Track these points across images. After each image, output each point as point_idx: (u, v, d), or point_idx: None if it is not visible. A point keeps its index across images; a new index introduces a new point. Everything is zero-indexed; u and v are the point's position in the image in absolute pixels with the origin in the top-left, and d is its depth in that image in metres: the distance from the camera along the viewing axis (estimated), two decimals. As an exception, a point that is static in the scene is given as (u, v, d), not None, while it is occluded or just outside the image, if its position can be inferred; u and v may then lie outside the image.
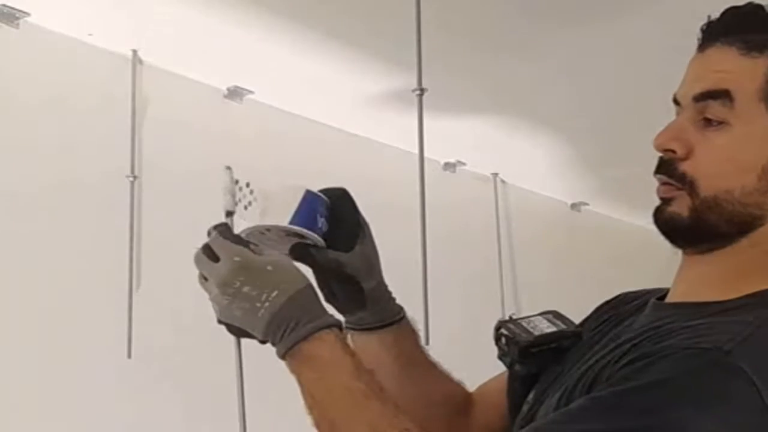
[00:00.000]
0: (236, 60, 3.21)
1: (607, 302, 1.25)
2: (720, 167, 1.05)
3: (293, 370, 1.08)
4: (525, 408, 1.15)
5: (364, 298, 1.23)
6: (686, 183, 1.07)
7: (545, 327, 1.18)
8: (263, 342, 1.10)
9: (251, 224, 1.16)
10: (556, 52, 3.09)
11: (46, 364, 2.78)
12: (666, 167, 1.08)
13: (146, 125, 3.12)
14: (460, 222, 4.08)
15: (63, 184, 2.88)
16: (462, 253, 4.02)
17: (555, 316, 1.21)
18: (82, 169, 2.94)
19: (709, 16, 1.11)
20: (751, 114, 1.05)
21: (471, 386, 1.35)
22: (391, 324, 1.26)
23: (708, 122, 1.06)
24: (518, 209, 4.46)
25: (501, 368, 1.23)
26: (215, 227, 1.14)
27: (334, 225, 1.19)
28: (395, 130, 3.55)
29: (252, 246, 1.12)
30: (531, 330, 1.18)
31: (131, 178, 3.05)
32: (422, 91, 2.74)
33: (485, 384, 1.33)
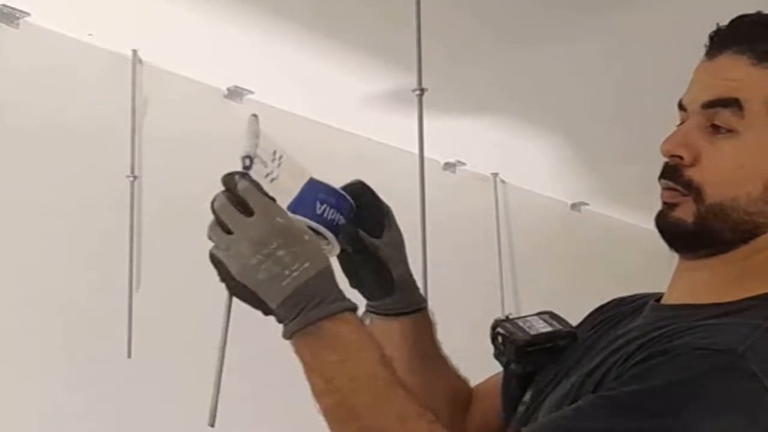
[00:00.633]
0: (236, 60, 3.21)
1: (601, 306, 1.26)
2: (727, 175, 1.06)
3: (304, 351, 1.03)
4: (521, 408, 1.16)
5: (393, 284, 1.23)
6: (692, 189, 1.07)
7: (541, 327, 1.19)
8: (267, 313, 1.04)
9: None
10: (557, 52, 3.09)
11: (46, 363, 2.78)
12: (672, 173, 1.09)
13: (146, 125, 3.12)
14: (460, 222, 4.08)
15: (63, 184, 2.88)
16: (462, 253, 4.02)
17: (551, 316, 1.21)
18: (82, 169, 2.94)
19: (717, 24, 1.11)
20: (759, 123, 1.06)
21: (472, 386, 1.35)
22: (414, 312, 1.26)
23: (716, 130, 1.07)
24: (518, 209, 4.46)
25: (500, 368, 1.24)
26: (241, 176, 1.08)
27: (359, 214, 1.18)
28: (395, 130, 3.55)
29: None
30: (527, 329, 1.18)
31: (131, 178, 3.05)
32: (422, 91, 2.74)
33: (481, 384, 1.34)
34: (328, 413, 1.02)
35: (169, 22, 2.92)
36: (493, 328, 1.20)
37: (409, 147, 3.10)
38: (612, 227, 4.82)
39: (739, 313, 1.03)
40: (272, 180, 1.12)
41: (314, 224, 1.12)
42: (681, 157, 1.08)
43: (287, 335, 1.03)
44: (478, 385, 1.34)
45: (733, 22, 1.10)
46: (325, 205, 1.13)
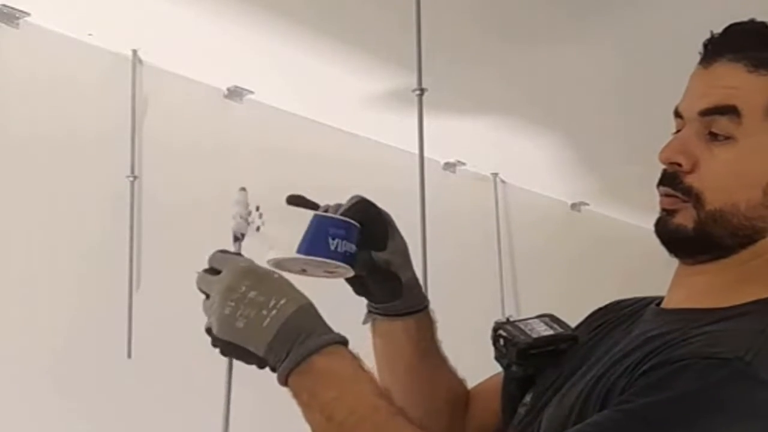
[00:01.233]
0: (236, 60, 3.21)
1: (600, 309, 1.26)
2: (726, 182, 1.07)
3: (301, 391, 1.01)
4: (522, 410, 1.16)
5: (401, 290, 1.24)
6: (692, 196, 1.08)
7: (542, 330, 1.19)
8: (261, 364, 1.03)
9: (263, 245, 1.12)
10: (557, 52, 3.09)
11: (46, 363, 2.78)
12: (671, 180, 1.09)
13: (146, 125, 3.12)
14: (460, 222, 4.08)
15: (63, 184, 2.88)
16: (462, 253, 4.02)
17: (552, 319, 1.22)
18: (82, 169, 2.94)
19: (711, 32, 1.11)
20: (757, 130, 1.06)
21: (470, 387, 1.35)
22: (417, 311, 1.27)
23: (714, 137, 1.07)
24: (518, 209, 4.46)
25: (498, 369, 1.24)
26: (217, 250, 1.09)
27: (363, 231, 1.18)
28: (395, 130, 3.55)
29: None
30: (528, 332, 1.18)
31: (131, 178, 3.05)
32: (422, 91, 2.74)
33: (479, 384, 1.34)
34: None
35: (169, 22, 2.92)
36: (495, 330, 1.21)
37: (409, 147, 3.10)
38: (612, 227, 4.82)
39: (740, 317, 1.03)
40: (258, 229, 1.12)
41: (333, 262, 1.13)
42: (680, 165, 1.08)
43: (282, 379, 1.02)
44: (476, 386, 1.34)
45: (727, 29, 1.11)
46: (336, 240, 1.13)
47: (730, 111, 1.06)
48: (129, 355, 2.92)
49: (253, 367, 1.05)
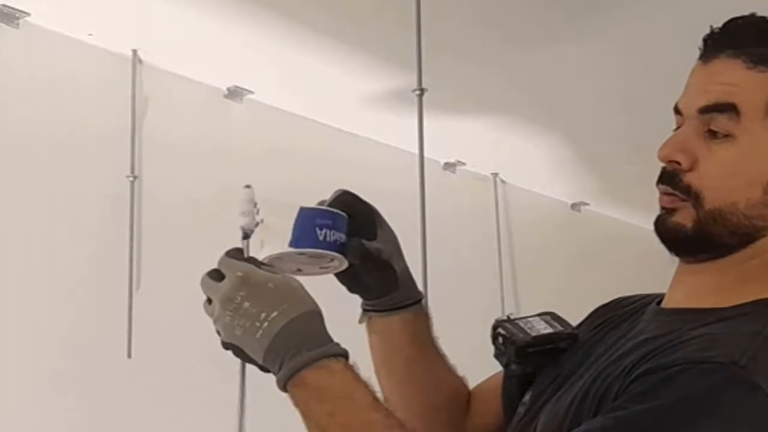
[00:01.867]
0: (236, 60, 3.21)
1: (602, 306, 1.26)
2: (726, 180, 1.06)
3: (298, 402, 1.02)
4: (522, 409, 1.15)
5: (397, 281, 1.23)
6: (691, 194, 1.07)
7: (542, 328, 1.18)
8: (263, 369, 1.05)
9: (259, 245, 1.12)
10: (558, 52, 3.09)
11: (46, 363, 2.78)
12: (670, 178, 1.09)
13: (146, 125, 3.12)
14: (460, 222, 4.08)
15: (63, 184, 2.88)
16: (462, 253, 4.02)
17: (552, 317, 1.21)
18: (82, 169, 2.94)
19: (711, 27, 1.10)
20: (756, 128, 1.05)
21: (471, 386, 1.35)
22: (413, 304, 1.26)
23: (713, 134, 1.06)
24: (518, 209, 4.46)
25: (499, 368, 1.23)
26: (225, 252, 1.10)
27: (352, 223, 1.18)
28: (395, 130, 3.55)
29: (265, 267, 1.08)
30: (528, 330, 1.18)
31: (131, 178, 3.05)
32: (422, 91, 2.74)
33: (480, 384, 1.34)
34: None
35: (169, 22, 2.92)
36: (494, 328, 1.20)
37: (409, 147, 3.10)
38: (612, 227, 4.82)
39: (737, 318, 1.03)
40: (259, 224, 1.13)
41: (322, 251, 1.14)
42: (679, 163, 1.07)
43: (280, 387, 1.03)
44: (477, 386, 1.34)
45: (727, 24, 1.09)
46: (324, 230, 1.14)
47: (729, 109, 1.05)
48: (129, 355, 2.92)
49: (255, 371, 1.07)
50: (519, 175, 4.39)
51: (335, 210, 1.17)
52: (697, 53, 1.11)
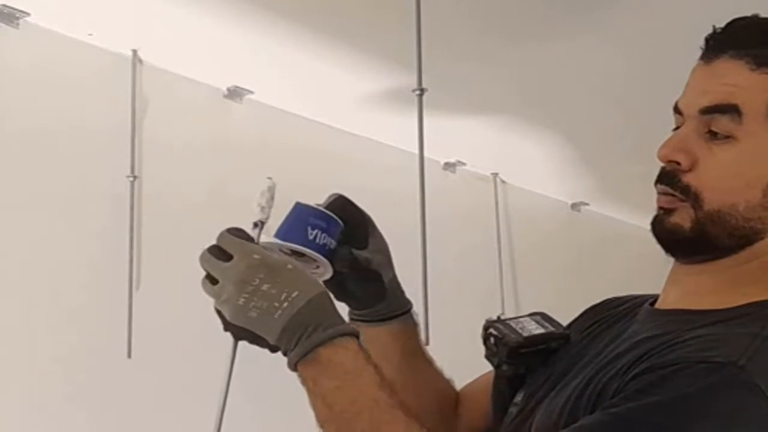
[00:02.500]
0: (236, 60, 3.21)
1: (593, 307, 1.25)
2: (726, 182, 1.05)
3: (307, 379, 1.03)
4: (513, 410, 1.15)
5: (384, 291, 1.22)
6: (690, 195, 1.06)
7: (534, 328, 1.18)
8: (273, 349, 1.05)
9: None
10: (558, 52, 3.09)
11: (46, 363, 2.78)
12: (669, 178, 1.08)
13: (146, 125, 3.12)
14: (460, 222, 4.08)
15: (63, 184, 2.88)
16: (462, 253, 4.02)
17: (543, 317, 1.21)
18: (83, 169, 2.94)
19: (714, 26, 1.09)
20: (758, 129, 1.05)
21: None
22: (401, 315, 1.25)
23: (713, 135, 1.06)
24: (518, 209, 4.46)
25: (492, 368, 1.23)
26: (226, 230, 1.09)
27: (344, 230, 1.17)
28: (395, 130, 3.55)
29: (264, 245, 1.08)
30: (519, 331, 1.17)
31: (131, 178, 3.05)
32: (422, 91, 2.74)
33: (469, 385, 1.33)
34: None
35: (169, 22, 2.92)
36: (485, 329, 1.20)
37: (409, 147, 3.09)
38: (612, 227, 4.82)
39: (735, 320, 1.02)
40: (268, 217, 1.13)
41: (307, 250, 1.12)
42: (678, 163, 1.07)
43: (291, 366, 1.04)
44: (465, 387, 1.33)
45: (729, 25, 1.09)
46: (316, 231, 1.13)
47: (731, 110, 1.04)
48: (129, 355, 2.92)
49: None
50: (519, 175, 4.39)
51: (332, 214, 1.15)
52: (698, 52, 1.11)
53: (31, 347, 2.76)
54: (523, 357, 1.16)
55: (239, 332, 1.06)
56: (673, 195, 1.07)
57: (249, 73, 3.30)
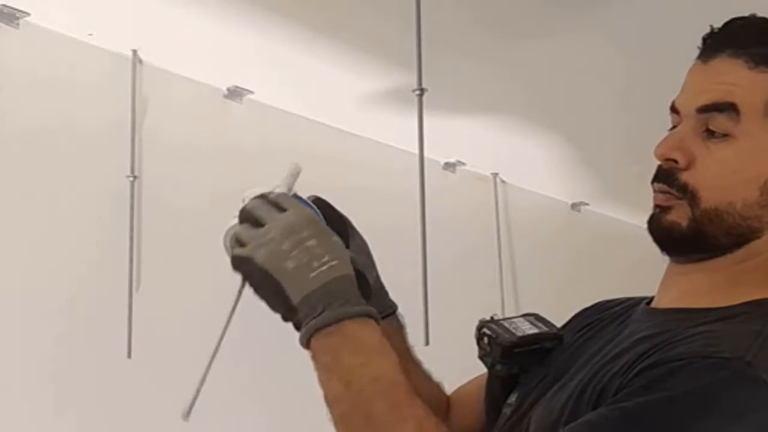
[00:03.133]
0: (236, 60, 3.21)
1: (584, 309, 1.24)
2: (723, 180, 1.05)
3: (325, 351, 0.99)
4: (507, 410, 1.14)
5: (369, 291, 1.19)
6: (687, 193, 1.06)
7: (527, 328, 1.18)
8: (288, 314, 1.01)
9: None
10: (558, 52, 3.09)
11: (46, 363, 2.78)
12: (666, 176, 1.08)
13: (146, 125, 3.12)
14: (460, 222, 4.08)
15: (63, 184, 2.88)
16: (462, 253, 4.02)
17: (536, 318, 1.20)
18: (83, 169, 2.94)
19: (711, 26, 1.09)
20: (756, 128, 1.04)
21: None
22: (387, 316, 1.23)
23: (711, 134, 1.06)
24: (518, 209, 4.46)
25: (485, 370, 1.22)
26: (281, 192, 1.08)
27: None
28: (395, 130, 3.55)
29: None
30: (513, 331, 1.17)
31: (131, 178, 3.05)
32: (422, 91, 2.74)
33: (460, 388, 1.32)
34: (343, 420, 0.99)
35: (169, 22, 2.92)
36: (479, 329, 1.19)
37: (409, 147, 3.10)
38: (612, 227, 4.82)
39: (735, 318, 1.02)
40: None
41: None
42: (676, 161, 1.07)
43: (307, 335, 1.00)
44: (457, 389, 1.32)
45: (727, 24, 1.09)
46: None
47: (728, 108, 1.04)
48: (129, 355, 2.92)
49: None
50: (519, 175, 4.39)
51: (311, 204, 1.14)
52: (697, 51, 1.11)
53: (30, 347, 2.76)
54: (517, 357, 1.16)
55: (262, 279, 1.03)
56: (669, 193, 1.07)
57: (249, 73, 3.30)
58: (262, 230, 1.04)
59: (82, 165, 2.93)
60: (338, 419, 1.00)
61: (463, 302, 3.83)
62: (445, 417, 1.29)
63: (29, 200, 2.81)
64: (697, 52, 1.11)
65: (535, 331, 1.17)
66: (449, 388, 1.32)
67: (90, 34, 2.96)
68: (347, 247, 1.16)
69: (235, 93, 3.38)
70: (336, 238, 1.06)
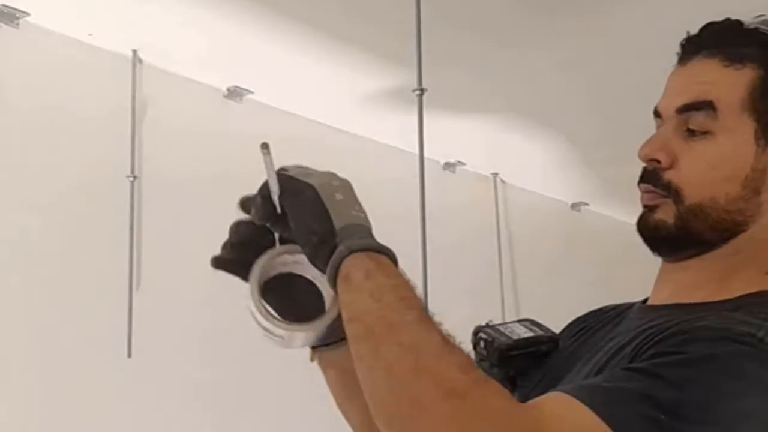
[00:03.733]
0: (236, 60, 3.21)
1: (579, 317, 1.25)
2: (705, 176, 1.07)
3: (360, 268, 0.96)
4: None
5: None
6: (671, 191, 1.08)
7: (523, 332, 1.19)
8: (323, 238, 0.99)
9: None
10: (557, 50, 3.09)
11: (47, 363, 2.78)
12: (650, 176, 1.10)
13: (146, 125, 3.12)
14: (460, 222, 4.08)
15: (63, 185, 2.88)
16: (462, 253, 4.02)
17: (531, 323, 1.21)
18: (83, 169, 2.94)
19: (688, 32, 1.12)
20: (734, 124, 1.07)
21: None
22: None
23: (691, 133, 1.08)
24: (518, 209, 4.46)
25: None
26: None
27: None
28: (395, 130, 3.55)
29: None
30: (509, 334, 1.18)
31: (131, 178, 3.05)
32: (422, 91, 2.74)
33: None
34: (366, 333, 0.94)
35: (169, 22, 2.92)
36: (475, 333, 1.20)
37: (409, 147, 3.10)
38: (612, 227, 4.82)
39: (735, 309, 1.02)
40: None
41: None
42: (659, 161, 1.09)
43: (347, 251, 0.97)
44: None
45: (703, 28, 1.12)
46: None
47: (705, 106, 1.07)
48: (129, 355, 2.92)
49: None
50: (519, 175, 4.39)
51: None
52: None
53: (30, 347, 2.76)
54: (514, 360, 1.17)
55: (313, 200, 1.02)
56: (655, 192, 1.10)
57: (249, 73, 3.30)
58: (307, 170, 1.08)
59: (82, 165, 2.93)
60: (360, 333, 0.95)
61: (463, 302, 3.83)
62: None
63: (29, 200, 2.81)
64: None
65: (530, 334, 1.18)
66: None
67: (90, 34, 2.96)
68: None
69: (235, 93, 3.38)
70: (357, 206, 1.05)
